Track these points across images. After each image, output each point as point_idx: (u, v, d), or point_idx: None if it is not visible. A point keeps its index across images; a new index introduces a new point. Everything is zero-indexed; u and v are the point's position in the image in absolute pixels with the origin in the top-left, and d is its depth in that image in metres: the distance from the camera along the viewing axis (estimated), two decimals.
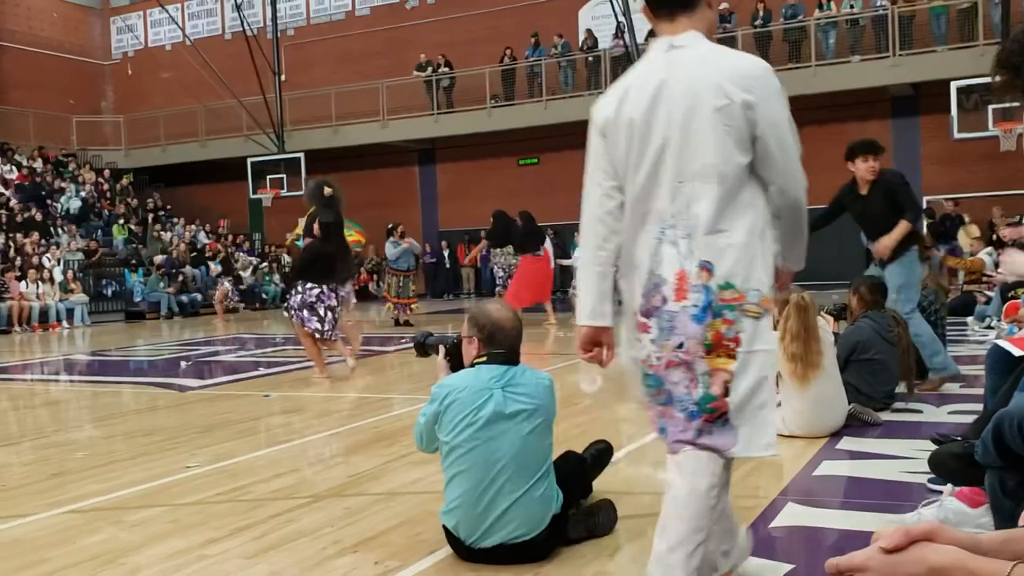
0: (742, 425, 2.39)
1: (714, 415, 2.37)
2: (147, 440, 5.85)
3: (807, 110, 19.35)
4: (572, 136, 21.63)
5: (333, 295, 8.25)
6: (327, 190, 8.62)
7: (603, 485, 3.76)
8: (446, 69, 23.12)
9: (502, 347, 3.20)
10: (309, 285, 8.22)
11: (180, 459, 5.08)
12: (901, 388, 5.71)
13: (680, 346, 2.38)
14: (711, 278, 2.36)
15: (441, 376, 3.37)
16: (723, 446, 2.39)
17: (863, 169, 6.13)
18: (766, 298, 2.40)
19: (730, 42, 19.93)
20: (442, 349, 3.47)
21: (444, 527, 3.19)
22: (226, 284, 21.30)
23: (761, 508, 3.69)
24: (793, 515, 3.62)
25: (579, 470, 3.50)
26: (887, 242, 6.03)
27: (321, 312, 8.18)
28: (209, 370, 9.69)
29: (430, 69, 23.18)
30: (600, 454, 3.81)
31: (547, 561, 3.13)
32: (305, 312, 8.18)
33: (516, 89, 22.52)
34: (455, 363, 3.40)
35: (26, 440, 6.17)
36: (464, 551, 3.14)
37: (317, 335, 8.26)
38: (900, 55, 18.27)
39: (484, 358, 3.19)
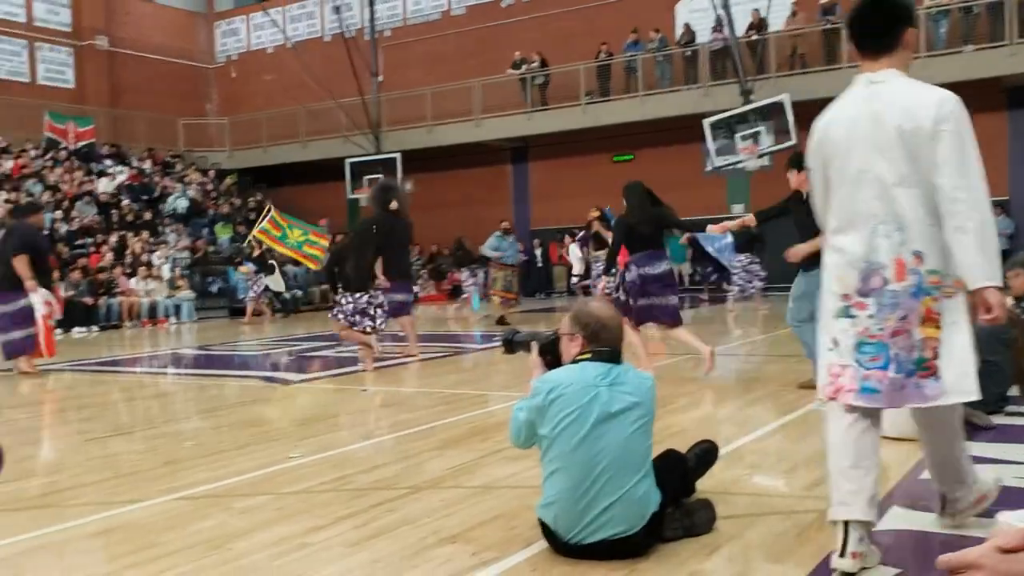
0: (947, 378, 2.95)
1: (927, 372, 2.96)
2: (252, 431, 6.04)
3: None
4: (668, 132, 21.67)
5: (379, 294, 9.03)
6: (393, 204, 9.64)
7: (700, 485, 3.72)
8: (540, 67, 23.16)
9: (606, 345, 3.21)
10: (358, 294, 8.89)
11: (283, 449, 5.23)
12: (1015, 391, 5.49)
13: (904, 318, 2.94)
14: (921, 264, 2.92)
15: (536, 373, 3.38)
16: (933, 395, 2.96)
17: (796, 181, 6.63)
18: (957, 280, 2.92)
19: (835, 34, 19.48)
20: (535, 346, 3.48)
21: (541, 521, 3.20)
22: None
23: None
24: (898, 518, 3.52)
25: (679, 468, 3.47)
26: (797, 250, 6.43)
27: (371, 312, 8.95)
28: (310, 365, 9.94)
29: (524, 67, 23.25)
30: (705, 454, 3.76)
31: (643, 559, 3.12)
32: (358, 317, 8.89)
33: (611, 85, 22.41)
34: (551, 360, 3.40)
35: (138, 430, 6.44)
36: (561, 546, 3.15)
37: (370, 330, 8.95)
38: (1017, 43, 17.48)
39: (588, 355, 3.19)
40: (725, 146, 17.80)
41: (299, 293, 21.43)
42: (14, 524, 3.85)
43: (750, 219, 7.18)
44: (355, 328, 8.90)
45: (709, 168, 19.52)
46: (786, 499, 3.92)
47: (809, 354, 6.35)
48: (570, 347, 3.28)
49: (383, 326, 9.05)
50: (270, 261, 19.01)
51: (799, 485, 4.18)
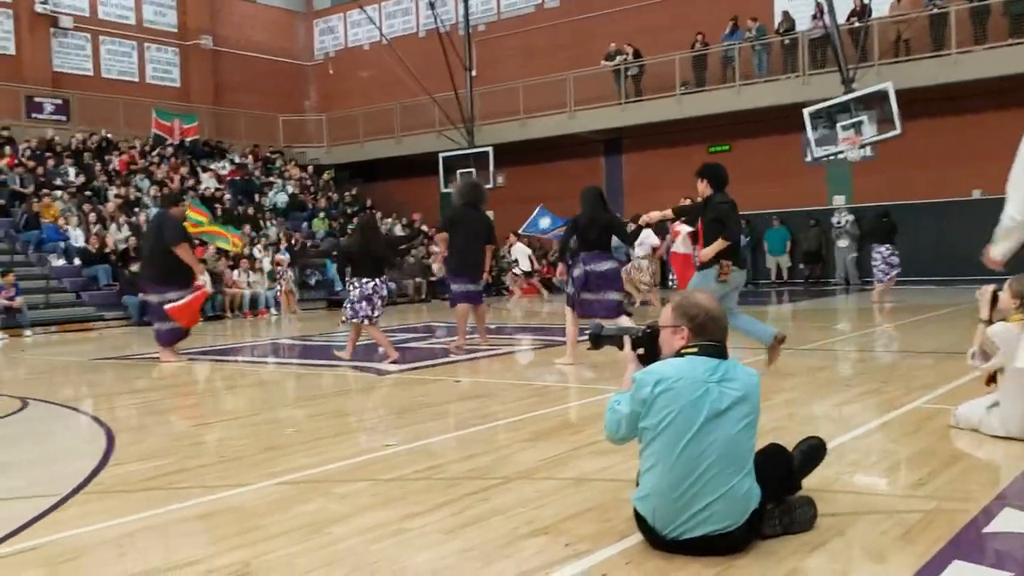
0: None
1: None
2: (348, 419, 6.16)
3: None
4: (765, 122, 21.24)
5: (384, 286, 9.36)
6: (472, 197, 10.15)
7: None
8: (634, 58, 22.95)
9: (713, 338, 3.12)
10: (365, 280, 9.20)
11: (379, 438, 5.33)
12: None
13: None
14: None
15: (631, 368, 3.32)
16: None
17: (701, 189, 7.51)
18: None
19: (943, 19, 18.77)
20: (627, 340, 3.39)
21: (637, 513, 3.17)
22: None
23: (972, 513, 3.46)
24: (1010, 521, 3.37)
25: (782, 464, 3.36)
26: (705, 251, 7.33)
27: (374, 300, 9.21)
28: (404, 356, 10.08)
29: (619, 58, 23.08)
30: (812, 451, 3.62)
31: (741, 555, 3.07)
32: (363, 303, 9.15)
33: (707, 75, 22.07)
34: (647, 354, 3.31)
35: (240, 417, 6.64)
36: (656, 539, 3.11)
37: (366, 320, 9.16)
38: None
39: (694, 349, 3.11)
40: (825, 136, 17.32)
41: (392, 286, 21.78)
42: (123, 505, 4.01)
43: (668, 212, 8.04)
44: (356, 316, 9.19)
45: (809, 159, 19.07)
46: (889, 498, 3.80)
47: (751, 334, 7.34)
48: (673, 340, 3.18)
49: (376, 320, 9.28)
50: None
51: (903, 484, 4.04)
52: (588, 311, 8.36)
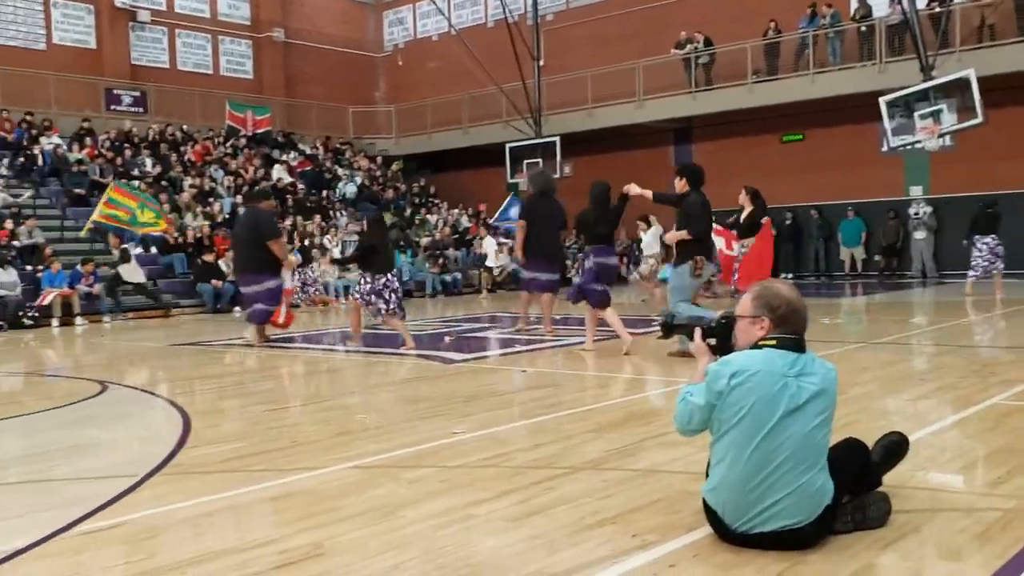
0: None
1: None
2: (417, 406, 6.23)
3: None
4: (840, 111, 20.81)
5: (394, 279, 9.82)
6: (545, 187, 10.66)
7: None
8: (705, 46, 22.66)
9: (794, 331, 3.05)
10: (379, 275, 9.66)
11: (447, 425, 5.37)
12: None
13: None
14: None
15: (704, 359, 3.27)
16: None
17: (680, 186, 8.18)
18: None
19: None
20: (698, 331, 3.33)
21: (705, 504, 3.14)
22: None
23: None
24: None
25: (859, 459, 3.27)
26: (669, 235, 8.36)
27: (386, 295, 9.64)
28: (470, 345, 10.14)
29: (689, 46, 22.81)
30: (893, 446, 3.51)
31: (812, 551, 3.02)
32: (372, 297, 9.63)
33: (780, 63, 21.68)
34: (719, 345, 3.26)
35: (313, 403, 6.77)
36: (725, 532, 3.08)
37: (384, 312, 9.70)
38: None
39: (773, 341, 3.04)
40: (903, 125, 16.88)
41: (450, 278, 21.96)
42: (201, 486, 4.12)
43: (649, 193, 8.40)
44: (369, 307, 9.75)
45: (885, 148, 18.61)
46: (966, 496, 3.71)
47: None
48: (752, 330, 3.10)
49: (395, 312, 9.69)
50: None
51: (980, 482, 3.94)
52: (594, 299, 8.96)
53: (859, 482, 3.25)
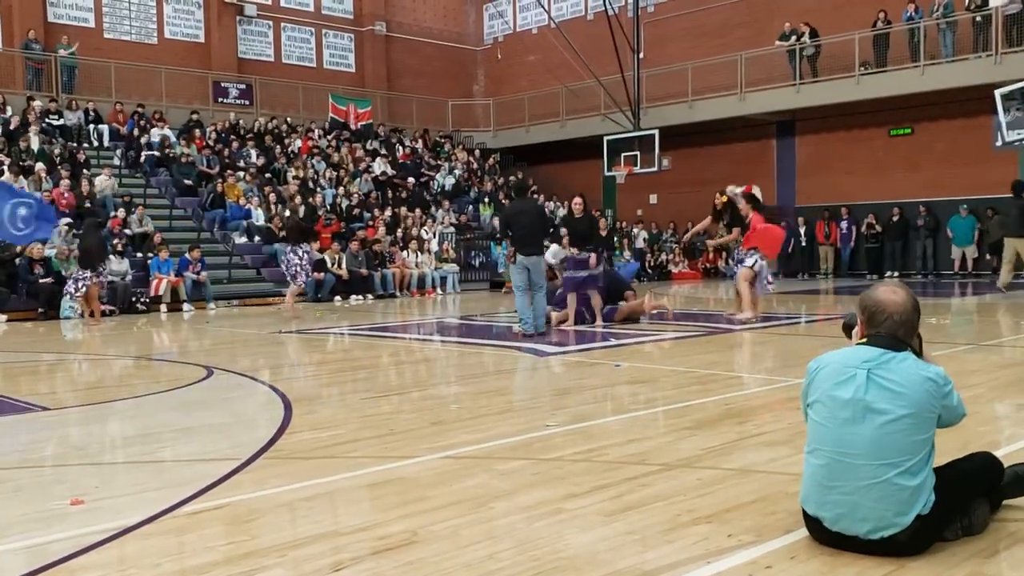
0: None
1: None
2: (510, 398, 6.26)
3: None
4: (951, 104, 20.06)
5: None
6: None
7: None
8: (810, 37, 22.08)
9: (880, 329, 3.09)
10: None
11: (540, 418, 5.38)
12: None
13: None
14: None
15: None
16: None
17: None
18: None
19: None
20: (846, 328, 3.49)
21: (803, 510, 3.11)
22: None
23: None
24: None
25: (989, 477, 3.21)
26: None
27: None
28: (565, 338, 10.13)
29: (794, 38, 22.26)
30: None
31: (914, 557, 2.92)
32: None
33: (889, 55, 20.98)
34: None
35: (408, 392, 6.86)
36: (821, 533, 3.03)
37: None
38: None
39: (865, 340, 3.13)
40: (1019, 119, 16.10)
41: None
42: (299, 471, 4.23)
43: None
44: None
45: (999, 143, 17.80)
46: None
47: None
48: (860, 331, 3.23)
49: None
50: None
51: None
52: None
53: (963, 499, 3.13)
